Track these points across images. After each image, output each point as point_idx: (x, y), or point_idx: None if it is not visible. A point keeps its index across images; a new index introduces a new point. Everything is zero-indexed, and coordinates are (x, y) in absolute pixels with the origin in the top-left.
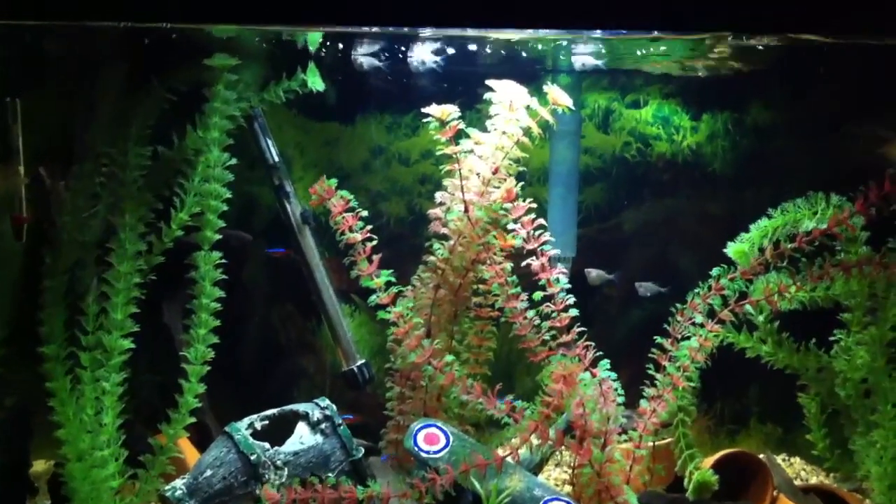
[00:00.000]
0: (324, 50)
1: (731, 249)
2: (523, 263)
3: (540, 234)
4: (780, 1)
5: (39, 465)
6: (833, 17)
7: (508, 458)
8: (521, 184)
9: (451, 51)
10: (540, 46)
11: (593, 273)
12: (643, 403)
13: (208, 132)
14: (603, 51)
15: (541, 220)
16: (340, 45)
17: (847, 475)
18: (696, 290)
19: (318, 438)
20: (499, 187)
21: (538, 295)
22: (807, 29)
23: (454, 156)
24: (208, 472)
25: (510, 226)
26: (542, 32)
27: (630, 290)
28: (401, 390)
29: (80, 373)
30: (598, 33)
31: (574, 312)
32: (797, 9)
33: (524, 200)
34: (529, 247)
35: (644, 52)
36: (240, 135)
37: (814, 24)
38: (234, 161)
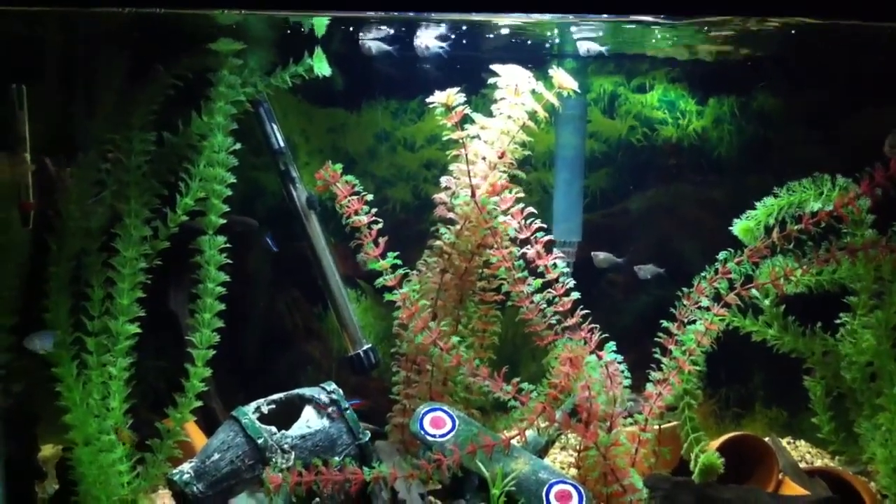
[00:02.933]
0: (328, 35)
1: (737, 227)
2: (520, 251)
3: (531, 223)
4: None
5: (47, 450)
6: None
7: (514, 441)
8: (527, 168)
9: (456, 36)
10: (546, 31)
11: (601, 255)
12: (649, 387)
13: (213, 117)
14: (606, 34)
15: (531, 209)
16: (346, 31)
17: (852, 458)
18: (703, 275)
19: (325, 422)
20: (505, 172)
21: (538, 283)
22: (811, 12)
23: (460, 141)
24: (216, 456)
25: (500, 218)
26: (548, 17)
27: (635, 275)
28: (407, 374)
29: (86, 358)
30: (603, 17)
31: (576, 296)
32: None
33: (527, 186)
34: (522, 236)
35: (655, 37)
36: (246, 120)
37: (818, 8)
38: (239, 146)
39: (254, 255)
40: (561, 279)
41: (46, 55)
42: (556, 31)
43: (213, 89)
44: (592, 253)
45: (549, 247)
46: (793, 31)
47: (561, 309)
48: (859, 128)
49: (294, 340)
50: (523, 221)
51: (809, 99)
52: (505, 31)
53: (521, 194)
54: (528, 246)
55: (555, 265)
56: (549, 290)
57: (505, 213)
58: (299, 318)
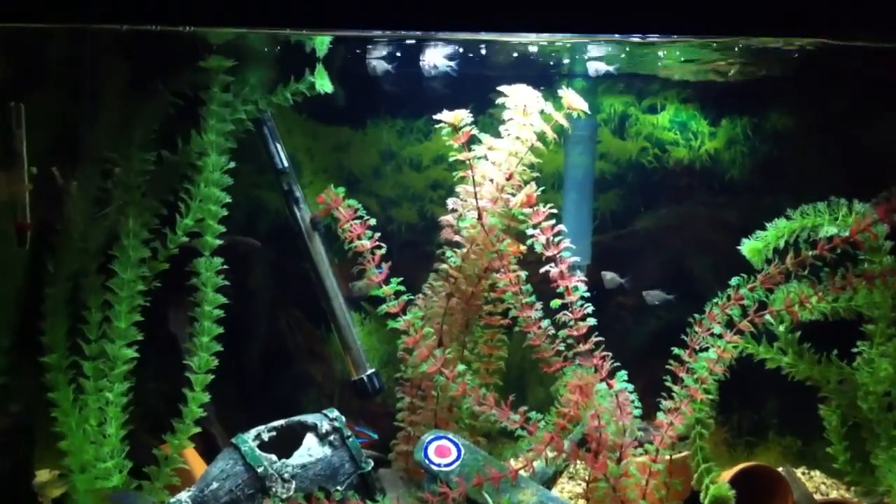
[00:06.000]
0: (333, 52)
1: (746, 247)
2: (541, 270)
3: (560, 241)
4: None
5: (43, 475)
6: (851, 18)
7: (522, 472)
8: (536, 189)
9: (464, 55)
10: (554, 51)
11: (608, 275)
12: (660, 416)
13: (207, 135)
14: (622, 55)
15: (560, 227)
16: (352, 49)
17: (868, 489)
18: (715, 301)
19: (327, 450)
20: (513, 194)
21: (556, 303)
22: (826, 32)
23: (467, 162)
24: (214, 485)
25: (529, 231)
26: (559, 37)
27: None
28: (411, 400)
29: (82, 382)
30: (616, 37)
31: (592, 322)
32: (814, 11)
33: (543, 206)
34: (549, 253)
35: (666, 57)
36: (249, 139)
37: (831, 27)
38: (240, 165)
39: (256, 276)
40: (578, 303)
41: (45, 71)
42: (566, 50)
43: (205, 108)
44: (602, 273)
45: (571, 268)
46: (808, 49)
47: (575, 334)
48: (880, 147)
49: (297, 364)
50: (552, 238)
51: (826, 119)
52: (514, 50)
53: (554, 210)
54: (552, 264)
55: (576, 288)
56: (564, 312)
57: (535, 226)
58: (302, 341)
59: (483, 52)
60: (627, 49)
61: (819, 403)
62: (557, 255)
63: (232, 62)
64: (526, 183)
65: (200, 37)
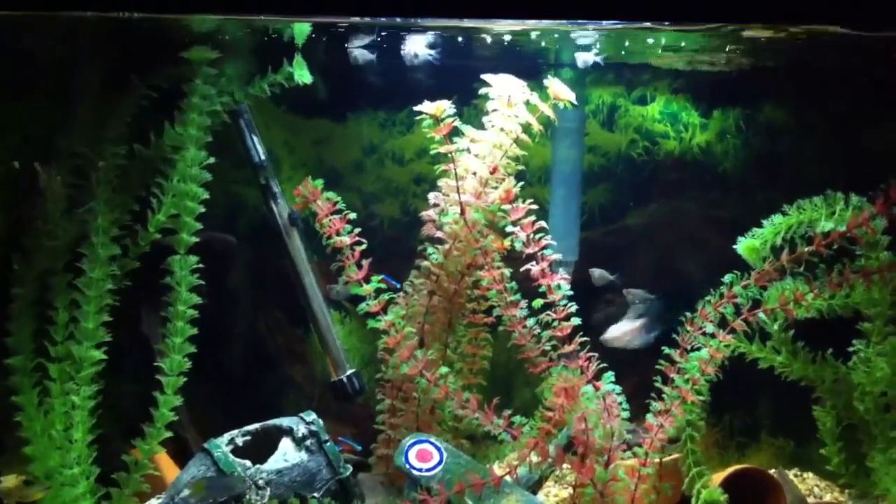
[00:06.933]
0: (313, 42)
1: (742, 245)
2: (522, 269)
3: (540, 238)
4: None
5: (10, 481)
6: (847, 8)
7: (506, 477)
8: (521, 184)
9: (447, 44)
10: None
11: (597, 273)
12: (649, 418)
13: (186, 129)
14: (611, 43)
15: (541, 223)
16: (331, 38)
17: (863, 492)
18: (707, 298)
19: (303, 456)
20: (497, 188)
21: (538, 302)
22: (820, 20)
23: (449, 155)
24: (185, 492)
25: (509, 228)
26: (545, 23)
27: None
28: (392, 402)
29: (48, 385)
30: (603, 24)
31: (576, 321)
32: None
33: (524, 201)
34: (529, 251)
35: (656, 46)
36: (225, 132)
37: (827, 16)
38: (217, 160)
39: (233, 274)
40: (561, 302)
41: (10, 63)
42: (552, 38)
43: (186, 100)
44: (590, 270)
45: (554, 266)
46: (802, 40)
47: (559, 334)
48: (877, 141)
49: (275, 365)
50: (532, 235)
51: (821, 111)
52: (499, 39)
53: (535, 206)
54: (534, 262)
55: (559, 286)
56: (548, 312)
57: (515, 223)
58: (280, 340)
59: (466, 40)
60: (616, 37)
61: (813, 404)
62: (539, 253)
63: (215, 54)
64: (511, 176)
65: (176, 26)
